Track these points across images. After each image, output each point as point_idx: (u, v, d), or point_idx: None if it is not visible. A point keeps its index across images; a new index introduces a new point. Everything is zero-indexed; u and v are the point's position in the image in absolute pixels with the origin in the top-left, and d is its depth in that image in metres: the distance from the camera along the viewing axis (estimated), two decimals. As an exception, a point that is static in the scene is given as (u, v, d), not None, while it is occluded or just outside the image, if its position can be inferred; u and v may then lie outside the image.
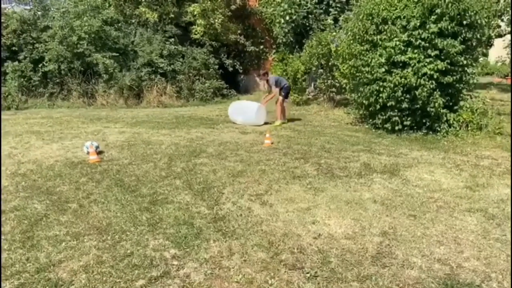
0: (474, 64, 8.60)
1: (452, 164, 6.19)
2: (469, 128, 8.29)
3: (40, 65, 13.07)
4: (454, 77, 8.17)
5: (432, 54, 8.01)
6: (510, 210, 4.37)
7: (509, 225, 4.01)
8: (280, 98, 9.81)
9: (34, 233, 3.79)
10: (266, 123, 9.85)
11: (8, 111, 11.66)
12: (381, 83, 8.38)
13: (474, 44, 8.46)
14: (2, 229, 3.88)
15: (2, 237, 3.72)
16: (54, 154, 6.46)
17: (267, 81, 10.04)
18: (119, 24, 14.68)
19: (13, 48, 13.44)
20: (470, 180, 5.42)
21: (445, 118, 8.40)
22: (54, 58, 12.74)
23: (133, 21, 15.14)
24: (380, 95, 8.43)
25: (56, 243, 3.60)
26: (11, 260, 3.31)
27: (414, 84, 8.01)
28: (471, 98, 8.79)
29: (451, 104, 8.56)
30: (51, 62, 12.80)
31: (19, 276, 3.09)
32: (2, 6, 14.46)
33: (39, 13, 14.37)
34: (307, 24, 14.89)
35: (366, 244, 3.61)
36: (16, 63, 13.05)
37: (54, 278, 3.06)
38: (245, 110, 9.77)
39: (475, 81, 8.75)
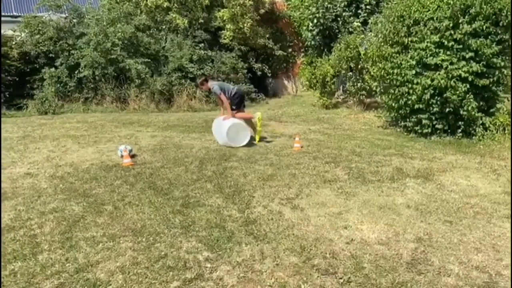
0: (511, 66, 8.33)
1: (489, 168, 6.00)
2: (506, 131, 8.01)
3: (75, 71, 13.48)
4: (490, 79, 7.94)
5: (467, 56, 7.80)
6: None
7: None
8: (234, 111, 7.60)
9: (72, 234, 3.92)
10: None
11: (46, 116, 12.07)
12: (410, 85, 8.23)
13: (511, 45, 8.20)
14: (42, 229, 4.03)
15: (42, 237, 3.86)
16: (89, 158, 6.66)
17: (209, 90, 7.94)
18: (151, 31, 15.00)
19: (50, 55, 13.91)
20: (508, 185, 5.24)
21: (480, 122, 8.16)
22: (89, 64, 13.10)
23: (164, 27, 15.43)
24: (410, 97, 8.28)
25: (93, 244, 3.71)
26: (51, 260, 3.44)
27: (444, 87, 7.82)
28: (508, 100, 8.51)
29: (487, 107, 8.31)
30: (86, 68, 13.16)
31: (59, 276, 3.20)
32: (39, 14, 14.97)
33: (75, 20, 14.80)
34: (336, 27, 14.79)
35: (400, 250, 3.55)
36: (53, 69, 13.49)
37: (93, 278, 3.16)
38: (221, 130, 7.45)
39: (512, 83, 8.47)
